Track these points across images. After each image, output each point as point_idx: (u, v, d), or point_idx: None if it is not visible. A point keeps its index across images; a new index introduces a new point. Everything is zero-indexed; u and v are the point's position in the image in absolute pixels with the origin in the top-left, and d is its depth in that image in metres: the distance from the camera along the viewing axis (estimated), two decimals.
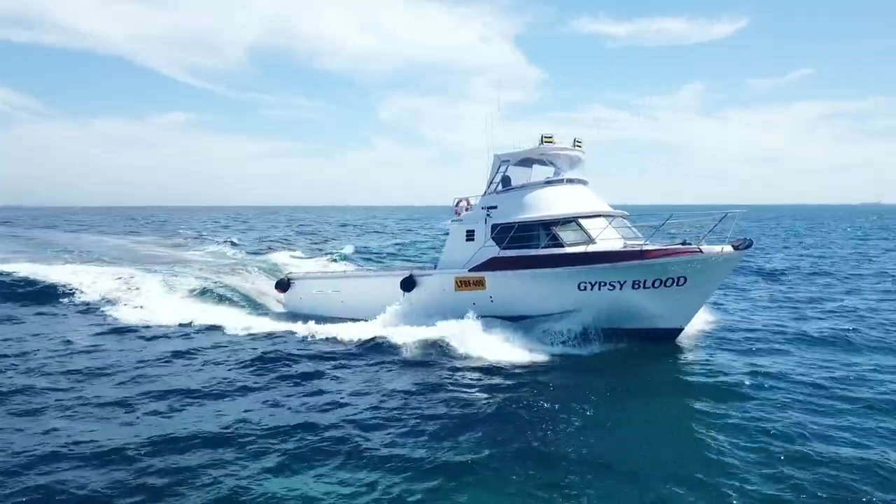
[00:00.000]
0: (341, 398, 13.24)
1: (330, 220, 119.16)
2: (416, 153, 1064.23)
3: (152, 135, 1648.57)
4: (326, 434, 11.23)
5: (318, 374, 15.05)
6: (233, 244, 50.87)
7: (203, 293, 25.57)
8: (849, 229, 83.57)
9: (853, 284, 28.82)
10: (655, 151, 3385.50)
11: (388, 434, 11.32)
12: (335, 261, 38.33)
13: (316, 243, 55.23)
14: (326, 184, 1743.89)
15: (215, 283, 27.15)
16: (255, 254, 43.43)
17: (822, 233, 75.30)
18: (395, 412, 12.43)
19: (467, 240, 19.52)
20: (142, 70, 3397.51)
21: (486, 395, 13.54)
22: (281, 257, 39.47)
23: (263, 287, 27.37)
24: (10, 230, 71.01)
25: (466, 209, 20.64)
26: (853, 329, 19.00)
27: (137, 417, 11.96)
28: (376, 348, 17.40)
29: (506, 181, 19.73)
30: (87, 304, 23.87)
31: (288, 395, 13.43)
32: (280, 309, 24.09)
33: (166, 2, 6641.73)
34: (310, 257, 41.22)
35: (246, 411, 12.32)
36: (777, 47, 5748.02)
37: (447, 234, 21.00)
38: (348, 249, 45.72)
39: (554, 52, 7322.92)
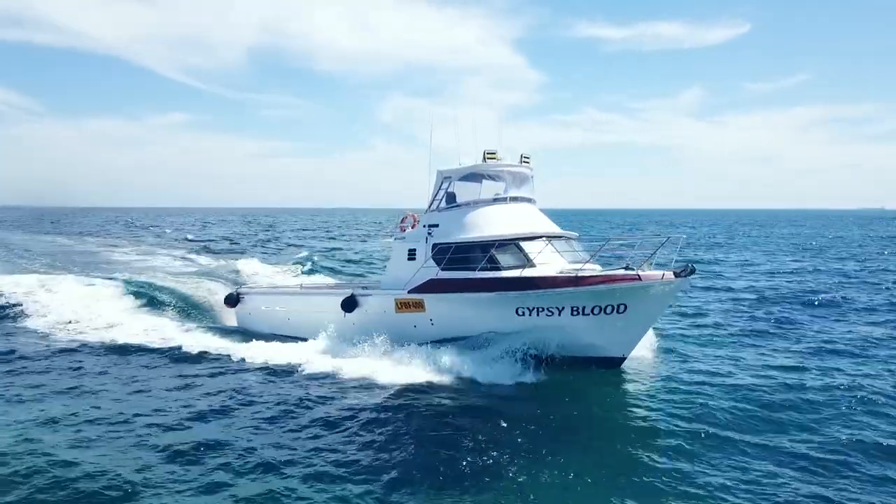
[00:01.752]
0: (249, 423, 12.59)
1: (310, 224, 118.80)
2: (416, 154, 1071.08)
3: (151, 135, 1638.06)
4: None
5: (229, 400, 14.39)
6: (206, 249, 50.37)
7: (154, 304, 25.05)
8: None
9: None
10: (654, 154, 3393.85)
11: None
12: (300, 270, 37.64)
13: (281, 250, 54.82)
14: (325, 185, 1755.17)
15: (170, 293, 26.57)
16: (225, 257, 42.86)
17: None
18: (315, 444, 11.78)
19: (409, 259, 18.82)
20: (140, 70, 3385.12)
21: (406, 418, 13.21)
22: (248, 264, 38.72)
23: (220, 298, 26.78)
24: None
25: (413, 226, 19.96)
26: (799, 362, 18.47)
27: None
28: (308, 375, 16.69)
29: (450, 198, 19.04)
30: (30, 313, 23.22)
31: (198, 420, 12.82)
32: (233, 324, 23.46)
33: (165, 2, 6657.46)
34: (282, 264, 40.68)
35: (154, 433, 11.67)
36: (776, 52, 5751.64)
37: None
38: (305, 256, 45.13)
39: (553, 55, 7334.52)
